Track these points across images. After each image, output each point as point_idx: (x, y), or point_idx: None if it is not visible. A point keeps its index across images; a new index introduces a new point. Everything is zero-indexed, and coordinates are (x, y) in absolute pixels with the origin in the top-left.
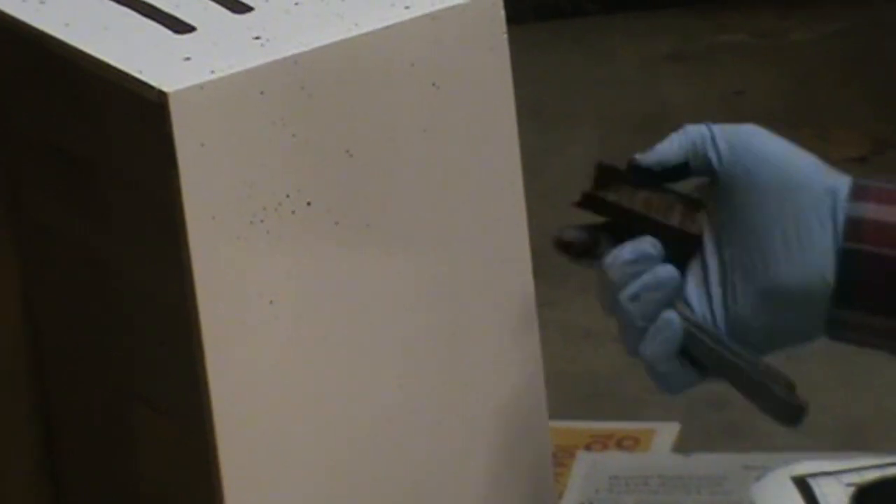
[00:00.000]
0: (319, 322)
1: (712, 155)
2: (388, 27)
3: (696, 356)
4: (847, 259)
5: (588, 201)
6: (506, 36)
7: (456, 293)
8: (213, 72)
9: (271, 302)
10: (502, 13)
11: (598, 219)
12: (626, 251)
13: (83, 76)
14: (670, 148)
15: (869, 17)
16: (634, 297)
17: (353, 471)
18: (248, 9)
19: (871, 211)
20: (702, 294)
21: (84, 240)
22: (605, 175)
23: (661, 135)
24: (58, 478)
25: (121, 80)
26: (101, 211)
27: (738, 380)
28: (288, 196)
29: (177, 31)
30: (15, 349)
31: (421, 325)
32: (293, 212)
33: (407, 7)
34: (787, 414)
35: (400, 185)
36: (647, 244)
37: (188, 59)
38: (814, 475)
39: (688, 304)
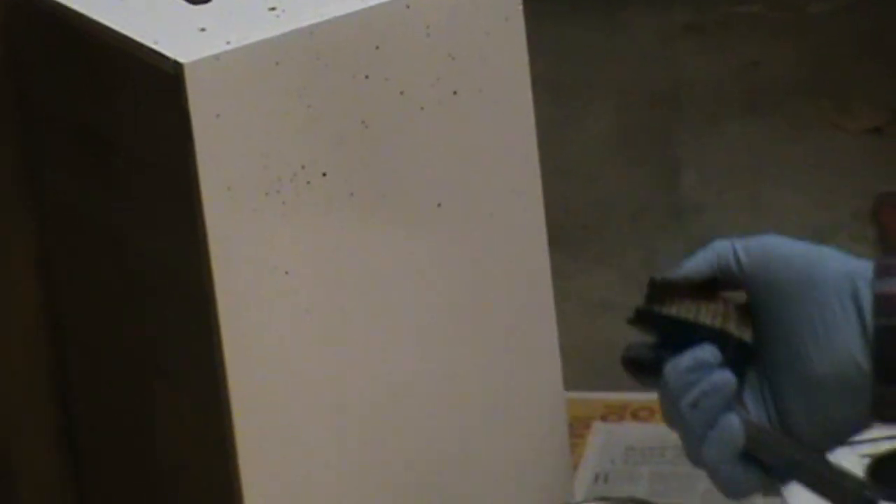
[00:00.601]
0: (335, 293)
1: (735, 267)
2: None
3: (761, 458)
4: (883, 336)
5: (642, 317)
6: (521, 7)
7: (471, 264)
8: (228, 43)
9: (287, 273)
10: None
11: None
12: (685, 360)
13: (99, 48)
14: (695, 265)
15: None
16: (694, 405)
17: (369, 442)
18: None
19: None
20: (757, 397)
21: (101, 213)
22: (659, 290)
23: (677, 106)
24: (76, 451)
25: (137, 51)
26: (117, 184)
27: (808, 477)
28: (303, 167)
29: (192, 2)
30: (33, 324)
31: (436, 296)
32: (308, 183)
33: None
34: None
35: (415, 157)
36: (705, 351)
37: (203, 30)
38: None
39: (746, 409)
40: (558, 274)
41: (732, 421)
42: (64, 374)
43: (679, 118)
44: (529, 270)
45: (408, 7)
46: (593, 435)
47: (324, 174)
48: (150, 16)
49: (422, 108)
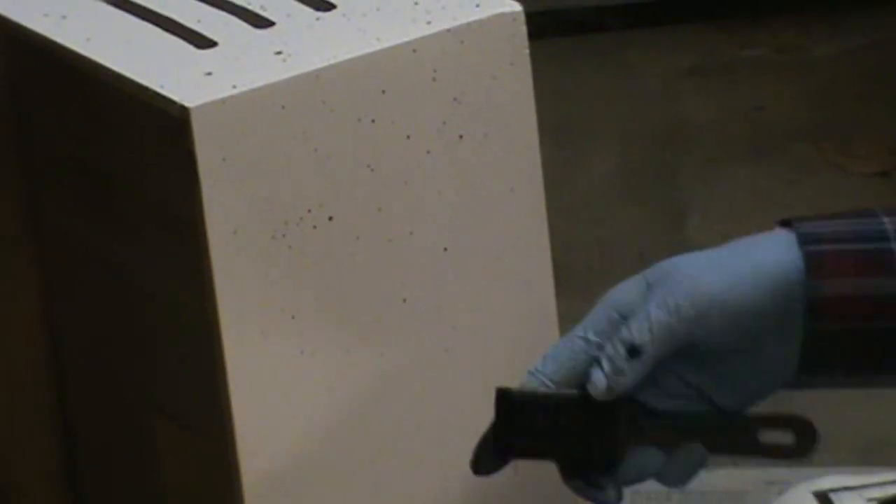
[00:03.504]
0: (340, 336)
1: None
2: (409, 42)
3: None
4: (811, 336)
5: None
6: (527, 50)
7: (477, 307)
8: (234, 87)
9: (293, 317)
10: (524, 28)
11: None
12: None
13: (105, 91)
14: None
15: (890, 31)
16: None
17: (373, 484)
18: (270, 24)
19: (828, 286)
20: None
21: (106, 254)
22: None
23: (682, 148)
24: (78, 491)
25: (142, 95)
26: (123, 225)
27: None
28: (309, 211)
29: (198, 46)
30: (37, 362)
31: (441, 340)
32: (315, 227)
33: (428, 22)
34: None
35: (421, 200)
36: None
37: (210, 74)
38: (835, 490)
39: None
40: (562, 316)
41: None
42: (67, 411)
43: (684, 161)
44: (536, 314)
45: (414, 51)
46: None
47: (330, 218)
48: (156, 59)
49: (428, 152)
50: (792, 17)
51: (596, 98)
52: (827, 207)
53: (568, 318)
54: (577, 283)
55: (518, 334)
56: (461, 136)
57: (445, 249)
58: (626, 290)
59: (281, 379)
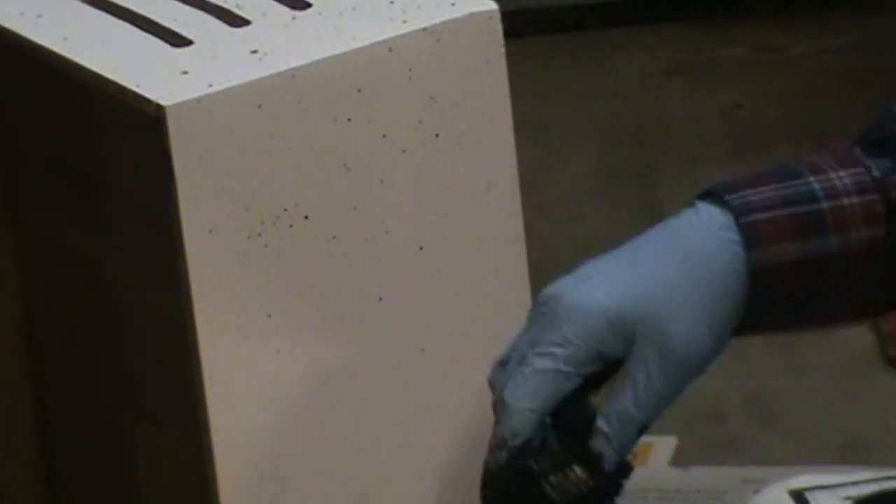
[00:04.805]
0: (316, 335)
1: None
2: (385, 41)
3: None
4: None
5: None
6: (503, 49)
7: (454, 306)
8: (210, 85)
9: (269, 316)
10: (500, 27)
11: None
12: None
13: (81, 90)
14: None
15: (871, 31)
16: None
17: (351, 484)
18: (246, 22)
19: (768, 255)
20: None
21: (84, 252)
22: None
23: (660, 147)
24: (57, 490)
25: (118, 93)
26: (100, 224)
27: None
28: (286, 210)
29: (174, 45)
30: (15, 361)
31: (418, 339)
32: (291, 226)
33: (404, 21)
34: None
35: (397, 199)
36: None
37: (186, 72)
38: (811, 489)
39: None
40: None
41: None
42: (46, 409)
43: (662, 159)
44: (512, 312)
45: (390, 50)
46: None
47: (306, 217)
48: (132, 58)
49: (404, 151)
50: (772, 16)
51: (574, 97)
52: None
53: None
54: (552, 282)
55: (494, 333)
56: (437, 135)
57: (421, 248)
58: (589, 318)
59: (257, 378)
